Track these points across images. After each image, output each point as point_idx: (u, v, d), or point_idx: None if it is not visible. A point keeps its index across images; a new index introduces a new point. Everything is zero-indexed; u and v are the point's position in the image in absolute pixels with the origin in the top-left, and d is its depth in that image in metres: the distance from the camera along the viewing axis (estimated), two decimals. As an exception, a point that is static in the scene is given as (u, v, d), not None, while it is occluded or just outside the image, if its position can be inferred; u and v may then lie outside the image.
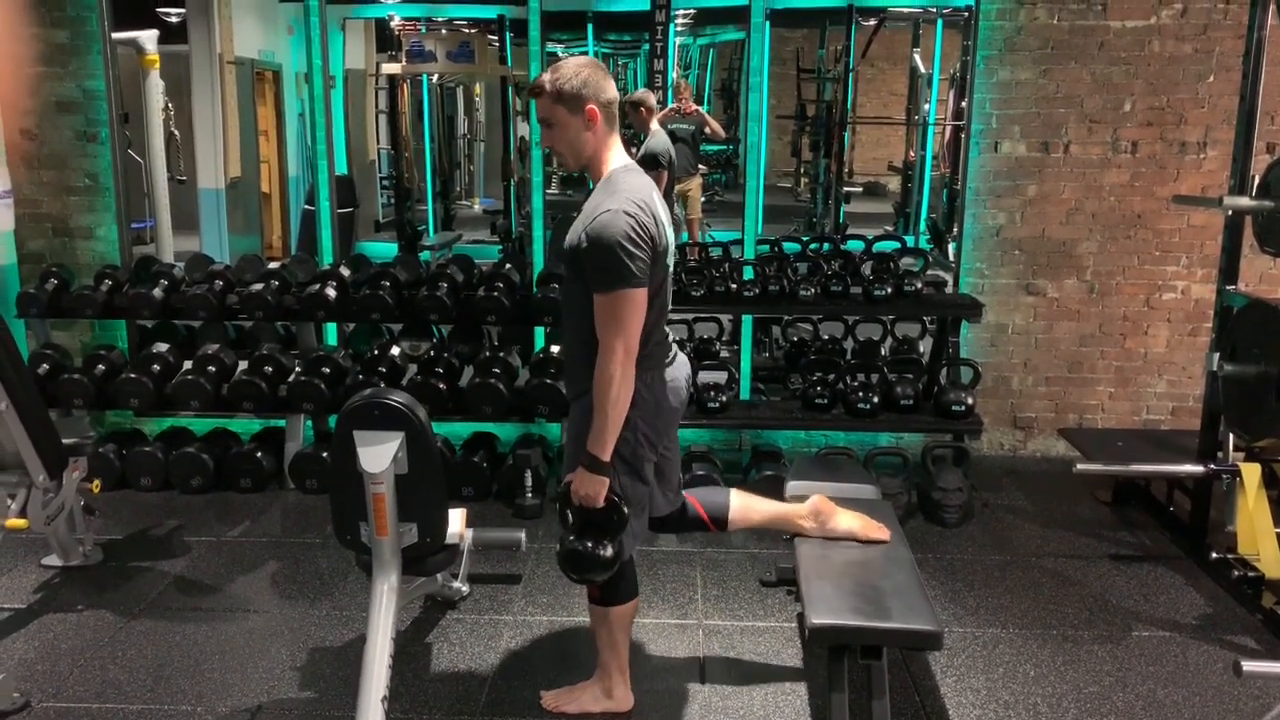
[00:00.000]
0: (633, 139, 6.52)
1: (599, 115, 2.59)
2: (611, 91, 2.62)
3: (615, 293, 2.47)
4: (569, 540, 2.69)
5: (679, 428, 2.94)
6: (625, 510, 2.67)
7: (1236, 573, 3.74)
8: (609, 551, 2.66)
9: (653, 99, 6.65)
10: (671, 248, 2.70)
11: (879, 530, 3.07)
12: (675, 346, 2.83)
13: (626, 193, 2.53)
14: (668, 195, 6.70)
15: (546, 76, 2.59)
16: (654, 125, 6.48)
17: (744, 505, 3.08)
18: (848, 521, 3.07)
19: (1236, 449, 3.98)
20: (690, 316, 5.49)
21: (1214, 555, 3.89)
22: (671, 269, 2.74)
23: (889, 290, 4.74)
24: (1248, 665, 2.96)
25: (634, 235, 2.46)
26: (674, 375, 2.76)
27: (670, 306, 2.78)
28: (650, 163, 6.06)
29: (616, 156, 2.67)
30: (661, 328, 2.73)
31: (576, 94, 2.55)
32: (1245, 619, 3.64)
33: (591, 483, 2.60)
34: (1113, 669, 3.31)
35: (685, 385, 2.83)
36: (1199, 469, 3.99)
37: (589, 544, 2.65)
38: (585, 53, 11.94)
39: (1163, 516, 4.48)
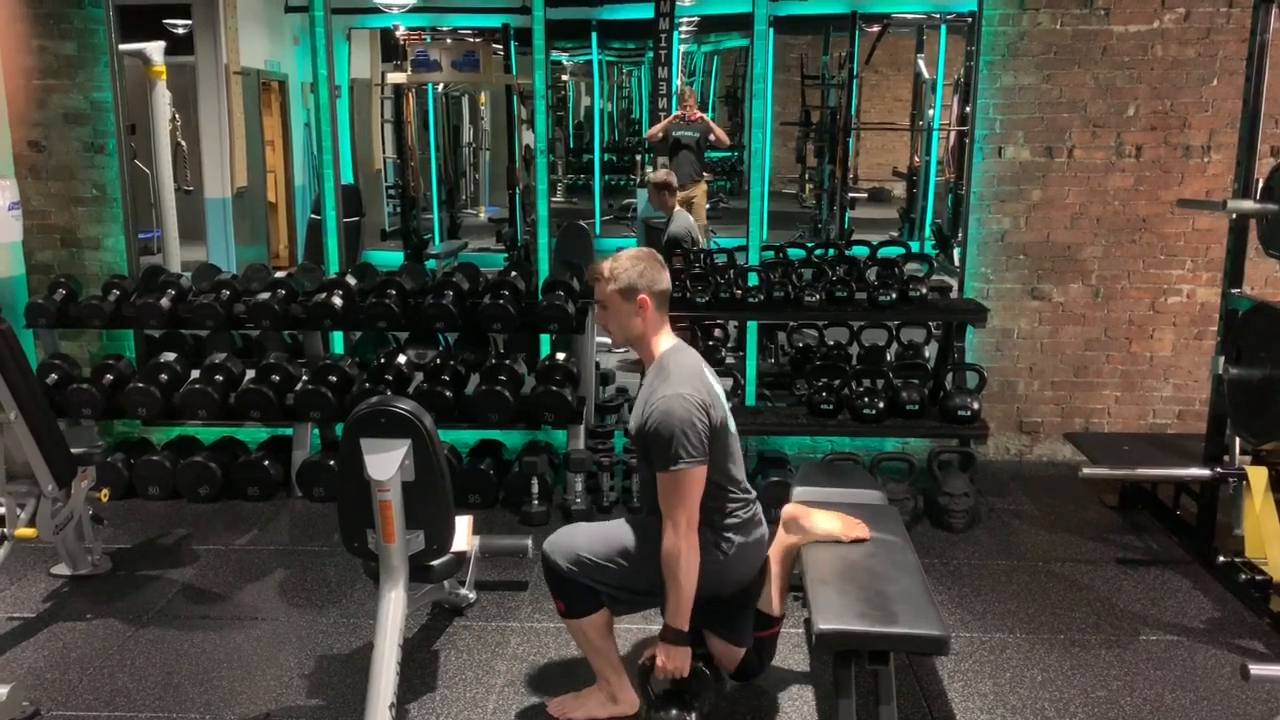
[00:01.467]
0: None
1: (650, 304, 2.79)
2: (665, 283, 2.83)
3: (673, 472, 2.64)
4: (656, 715, 2.78)
5: None
6: (709, 673, 2.83)
7: (1244, 576, 3.73)
8: (694, 717, 2.77)
9: (675, 181, 6.73)
10: (729, 415, 2.85)
11: (859, 528, 3.08)
12: (758, 507, 2.94)
13: (679, 375, 2.73)
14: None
15: (606, 265, 2.81)
16: (676, 207, 6.53)
17: (771, 589, 3.11)
18: (826, 523, 3.08)
19: (1243, 452, 3.97)
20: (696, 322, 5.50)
21: (1221, 559, 3.88)
22: (735, 432, 2.88)
23: (894, 296, 4.74)
24: (1255, 669, 2.96)
25: (691, 418, 2.64)
26: (758, 536, 2.91)
27: (741, 460, 2.91)
28: (673, 245, 6.07)
29: (666, 339, 2.86)
30: (743, 488, 2.87)
31: (632, 285, 2.77)
32: (1253, 623, 3.64)
33: (676, 655, 2.72)
34: (1120, 673, 3.30)
35: (764, 551, 2.97)
36: (1205, 473, 3.99)
37: (674, 711, 2.76)
38: (589, 61, 11.99)
39: (1169, 520, 4.48)
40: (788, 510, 3.14)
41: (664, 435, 2.64)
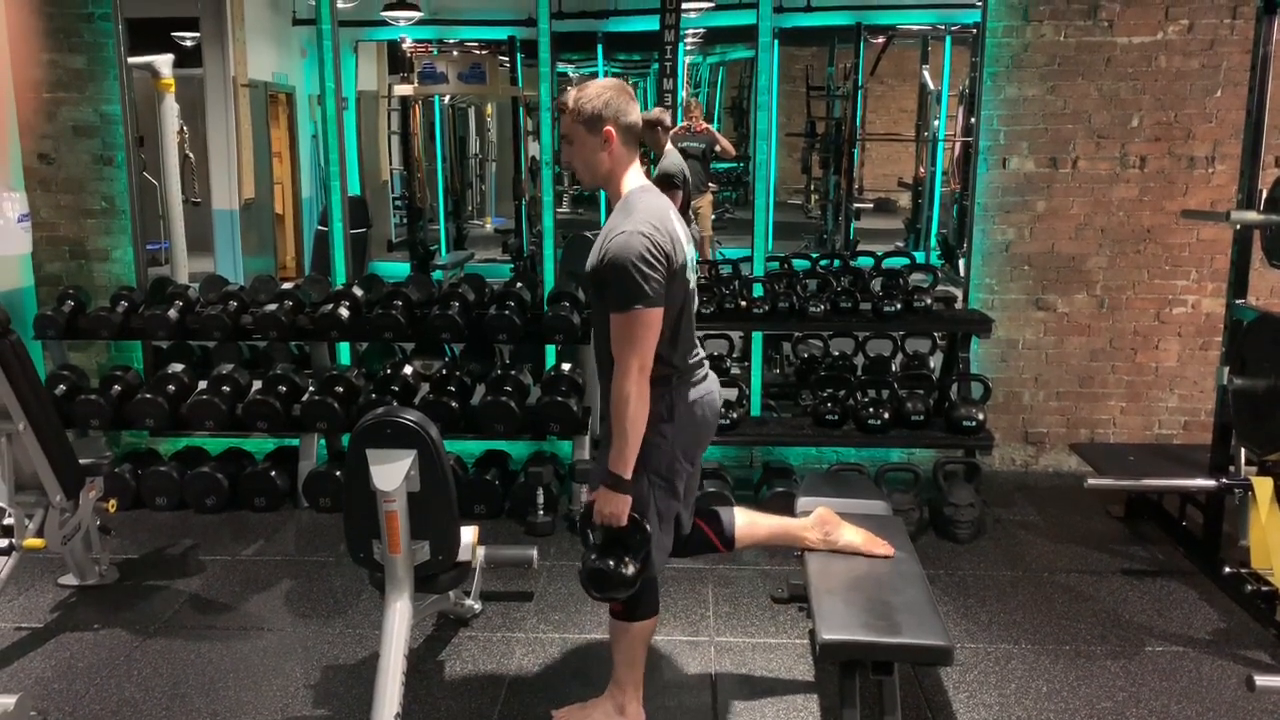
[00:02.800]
0: (644, 155, 6.55)
1: (615, 137, 2.64)
2: (633, 115, 2.67)
3: (629, 312, 2.51)
4: (592, 559, 2.69)
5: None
6: (647, 528, 2.69)
7: (1250, 587, 3.73)
8: (631, 570, 2.67)
9: (669, 118, 6.69)
10: (692, 264, 2.73)
11: (882, 545, 3.08)
12: (706, 364, 2.86)
13: (642, 213, 2.58)
14: (684, 211, 6.74)
15: (571, 94, 2.66)
16: (668, 145, 6.51)
17: (749, 521, 3.10)
18: (850, 535, 3.09)
19: (1249, 463, 3.97)
20: (701, 333, 5.51)
21: (1227, 570, 3.87)
22: (694, 284, 2.76)
23: (899, 306, 4.75)
24: (1261, 680, 2.95)
25: (648, 256, 2.51)
26: (706, 390, 2.80)
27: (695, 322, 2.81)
28: (665, 182, 6.09)
29: (633, 178, 2.72)
30: (691, 342, 2.76)
31: (597, 114, 2.62)
32: (1259, 634, 3.63)
33: (614, 501, 2.62)
34: (1126, 684, 3.30)
35: (717, 402, 2.86)
36: (1211, 483, 3.99)
37: (611, 562, 2.66)
38: (595, 74, 12.02)
39: (1175, 531, 4.47)
40: (820, 513, 3.12)
41: (619, 271, 2.49)
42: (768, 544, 3.22)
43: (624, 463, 2.58)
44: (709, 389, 2.81)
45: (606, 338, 2.62)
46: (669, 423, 2.68)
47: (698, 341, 2.83)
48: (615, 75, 13.42)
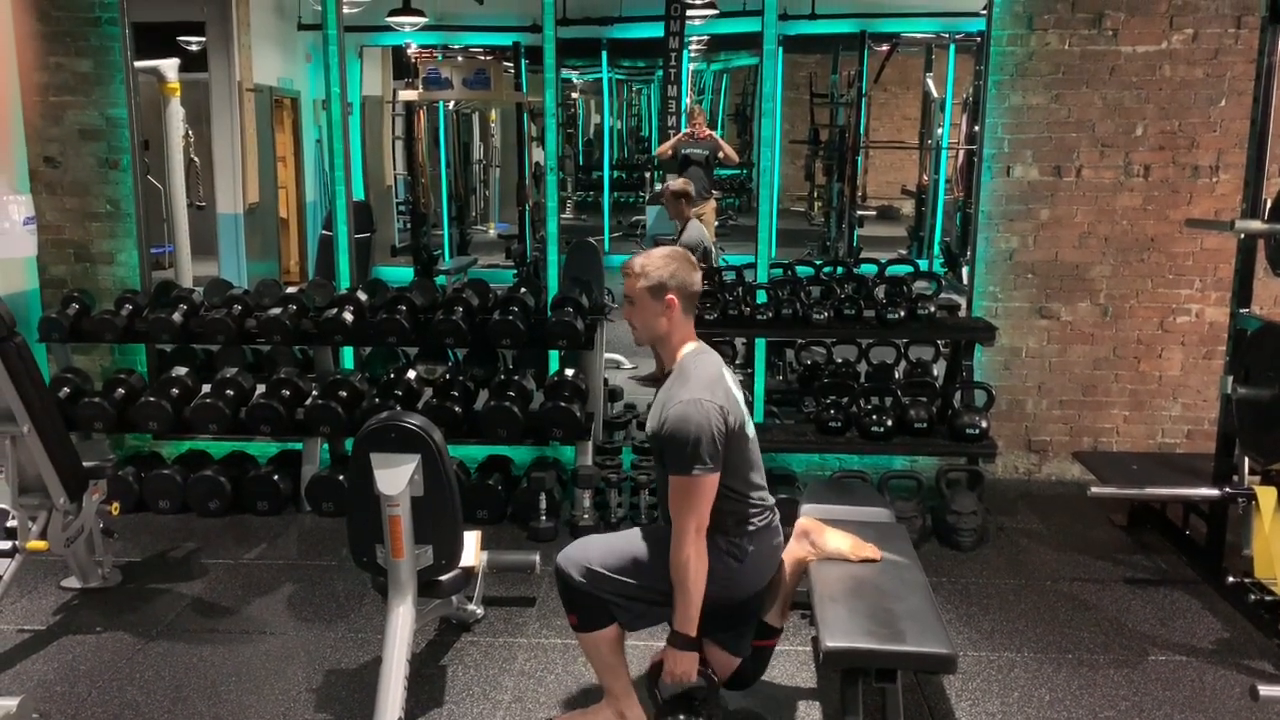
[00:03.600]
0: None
1: (677, 305, 2.78)
2: (695, 285, 2.82)
3: (687, 478, 2.64)
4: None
5: None
6: (715, 678, 2.82)
7: (1253, 597, 3.72)
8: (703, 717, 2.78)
9: (693, 190, 6.75)
10: (748, 420, 2.83)
11: (868, 549, 3.08)
12: (775, 515, 2.93)
13: (698, 379, 2.71)
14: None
15: (638, 261, 2.80)
16: (691, 217, 6.56)
17: (777, 600, 3.12)
18: (836, 540, 3.09)
19: (1252, 472, 3.96)
20: (704, 339, 5.51)
21: (1230, 579, 3.86)
22: (754, 436, 2.86)
23: (902, 314, 4.75)
24: (1264, 690, 2.96)
25: (704, 423, 2.62)
26: (774, 544, 2.91)
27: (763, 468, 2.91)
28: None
29: (688, 340, 2.85)
30: (760, 494, 2.86)
31: (661, 284, 2.76)
32: (1262, 643, 3.62)
33: (684, 661, 2.72)
34: (1129, 694, 3.29)
35: (781, 549, 2.97)
36: (1214, 492, 3.98)
37: (682, 716, 2.77)
38: (599, 80, 12.05)
39: (1178, 540, 4.46)
40: (801, 524, 3.14)
41: (679, 440, 2.63)
42: (794, 589, 3.19)
43: (689, 622, 2.68)
44: (770, 543, 2.90)
45: (667, 497, 2.74)
46: (741, 563, 2.80)
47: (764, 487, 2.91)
48: (619, 81, 13.46)
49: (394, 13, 8.49)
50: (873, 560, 3.05)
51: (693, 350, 2.83)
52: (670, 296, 2.76)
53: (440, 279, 8.09)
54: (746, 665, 2.99)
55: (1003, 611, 3.87)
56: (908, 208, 10.76)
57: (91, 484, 3.82)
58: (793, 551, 3.06)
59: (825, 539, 3.09)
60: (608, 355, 5.56)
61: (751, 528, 2.81)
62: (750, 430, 2.83)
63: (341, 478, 4.72)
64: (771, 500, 2.92)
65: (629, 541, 2.90)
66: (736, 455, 2.74)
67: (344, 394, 4.80)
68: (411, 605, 3.02)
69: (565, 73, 11.70)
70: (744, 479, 2.79)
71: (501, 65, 9.73)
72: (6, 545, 3.58)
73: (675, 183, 6.80)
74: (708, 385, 2.70)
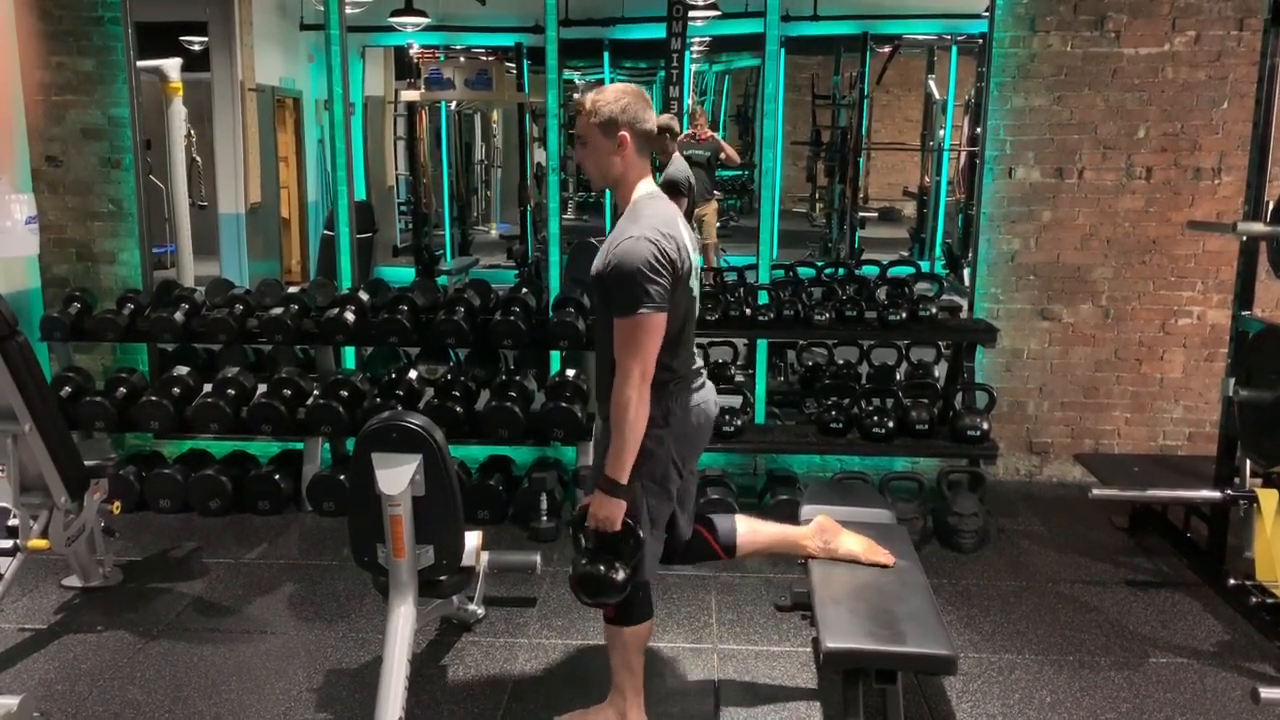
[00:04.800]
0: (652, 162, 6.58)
1: (630, 142, 2.66)
2: (649, 122, 2.69)
3: (633, 317, 2.53)
4: (582, 563, 2.69)
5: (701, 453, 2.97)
6: (640, 533, 2.69)
7: (1254, 599, 3.72)
8: (622, 575, 2.67)
9: (677, 125, 6.72)
10: (696, 271, 2.74)
11: (882, 554, 3.07)
12: (704, 372, 2.87)
13: (650, 219, 2.60)
14: (687, 217, 6.75)
15: (589, 97, 2.68)
16: (675, 152, 6.54)
17: (750, 529, 3.11)
18: (850, 543, 3.09)
19: (1253, 474, 3.96)
20: (706, 341, 5.52)
21: (1231, 582, 3.85)
22: (697, 292, 2.78)
23: (904, 315, 4.75)
24: (1265, 692, 2.95)
25: (654, 262, 2.52)
26: (703, 398, 2.81)
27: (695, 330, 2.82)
28: (670, 189, 6.11)
29: (644, 184, 2.74)
30: (689, 350, 2.77)
31: (613, 119, 2.64)
32: (1263, 646, 3.62)
33: (609, 505, 2.62)
34: (1130, 696, 3.29)
35: (713, 409, 2.87)
36: (1216, 495, 3.98)
37: (602, 567, 2.66)
38: (602, 81, 12.05)
39: (1180, 542, 4.46)
40: (820, 520, 3.12)
41: (624, 277, 2.51)
42: (769, 552, 3.22)
43: (621, 468, 2.59)
44: (705, 396, 2.83)
45: (609, 343, 2.63)
46: (665, 428, 2.69)
47: (696, 349, 2.84)
48: (621, 82, 13.46)
49: (396, 13, 8.48)
50: (885, 565, 3.05)
51: (649, 193, 2.72)
52: (623, 133, 2.64)
53: (442, 279, 8.08)
54: (679, 545, 2.93)
55: (1003, 613, 3.87)
56: (909, 209, 10.74)
57: (93, 483, 3.82)
58: (796, 533, 3.05)
59: (840, 541, 3.08)
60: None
61: (680, 386, 2.71)
62: (695, 286, 2.73)
63: (343, 477, 4.72)
64: (701, 362, 2.84)
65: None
66: (679, 306, 2.62)
67: (345, 394, 4.80)
68: (412, 605, 3.02)
69: (567, 73, 11.69)
70: (682, 335, 2.67)
71: (504, 66, 9.72)
72: (8, 544, 3.57)
73: (660, 118, 6.76)
74: (661, 223, 2.59)
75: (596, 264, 2.65)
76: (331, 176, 5.48)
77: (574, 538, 2.77)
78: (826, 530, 3.10)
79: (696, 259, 2.74)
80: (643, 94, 2.70)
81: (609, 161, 2.69)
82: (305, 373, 5.13)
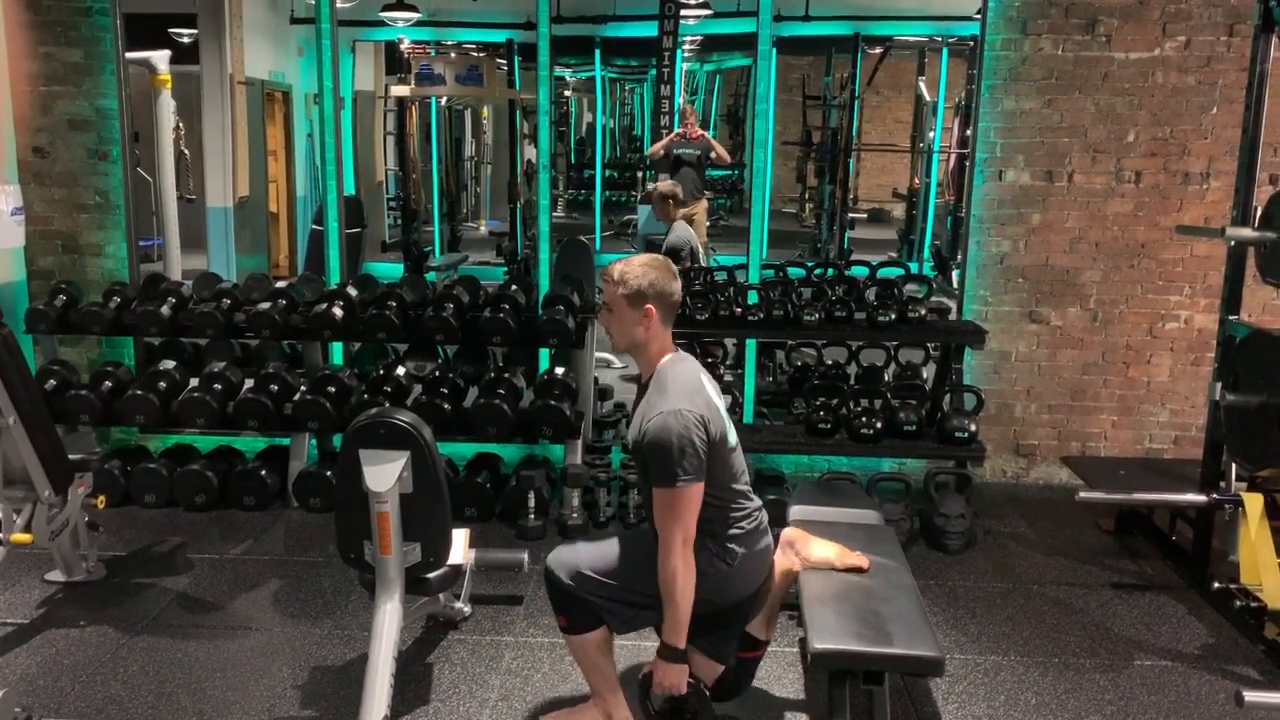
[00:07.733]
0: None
1: (655, 314, 2.74)
2: (674, 294, 2.78)
3: (671, 490, 2.61)
4: None
5: None
6: (705, 690, 2.80)
7: (1239, 603, 3.72)
8: None
9: (680, 192, 6.78)
10: (730, 428, 2.80)
11: (855, 557, 3.07)
12: (763, 516, 2.90)
13: (676, 390, 2.68)
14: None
15: (618, 267, 2.76)
16: (678, 219, 6.58)
17: (762, 617, 3.10)
18: (821, 550, 3.08)
19: (1239, 479, 3.98)
20: (694, 338, 5.52)
21: (1216, 585, 3.87)
22: (735, 443, 2.82)
23: (893, 316, 4.76)
24: (1249, 695, 2.97)
25: (686, 434, 2.60)
26: (763, 546, 2.87)
27: (746, 472, 2.87)
28: (672, 256, 6.11)
29: (667, 349, 2.82)
30: (746, 499, 2.83)
31: (640, 291, 2.72)
32: (1247, 649, 3.64)
33: (673, 672, 2.69)
34: (1114, 698, 3.30)
35: (770, 556, 2.93)
36: (1201, 498, 4.00)
37: None
38: (592, 77, 12.05)
39: (1165, 546, 4.48)
40: (786, 534, 3.13)
41: (660, 452, 2.60)
42: (780, 600, 3.17)
43: (678, 634, 2.66)
44: (759, 544, 2.86)
45: (652, 506, 2.72)
46: (731, 567, 2.77)
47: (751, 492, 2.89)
48: (612, 79, 13.46)
49: (387, 8, 8.47)
50: (860, 569, 3.05)
51: (671, 360, 2.81)
52: (649, 306, 2.72)
53: (431, 275, 8.07)
54: (731, 676, 2.97)
55: (989, 615, 3.88)
56: (899, 210, 10.78)
57: (77, 477, 3.79)
58: (779, 563, 3.05)
59: (810, 548, 3.08)
60: (598, 354, 5.55)
61: (739, 531, 2.79)
62: (733, 438, 2.81)
63: (329, 474, 4.70)
64: (758, 503, 2.90)
65: (617, 546, 2.89)
66: (718, 464, 2.71)
67: (333, 390, 4.78)
68: (399, 602, 3.01)
69: (558, 70, 11.68)
70: (727, 486, 2.76)
71: (494, 62, 9.71)
72: (-10, 538, 3.55)
73: (663, 184, 6.84)
74: (687, 395, 2.68)
75: (632, 434, 2.78)
76: (320, 171, 5.48)
77: (641, 704, 2.83)
78: (795, 542, 3.10)
79: (725, 415, 2.79)
80: (669, 265, 2.80)
81: (634, 331, 2.77)
82: (292, 368, 5.11)
